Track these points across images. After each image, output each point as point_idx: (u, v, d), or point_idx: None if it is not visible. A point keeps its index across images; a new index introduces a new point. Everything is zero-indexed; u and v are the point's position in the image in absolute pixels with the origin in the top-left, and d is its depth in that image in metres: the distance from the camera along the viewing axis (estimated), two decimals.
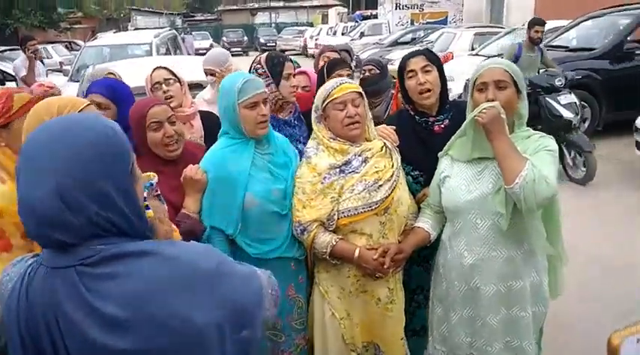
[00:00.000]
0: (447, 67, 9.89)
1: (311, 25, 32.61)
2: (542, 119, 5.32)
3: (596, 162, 5.17)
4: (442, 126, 2.10)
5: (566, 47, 7.47)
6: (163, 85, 2.52)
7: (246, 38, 30.93)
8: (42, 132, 0.88)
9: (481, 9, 20.03)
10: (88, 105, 1.52)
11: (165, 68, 2.56)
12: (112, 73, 2.81)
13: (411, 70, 2.06)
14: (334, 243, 1.86)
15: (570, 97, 5.36)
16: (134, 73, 3.43)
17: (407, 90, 2.11)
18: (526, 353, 1.84)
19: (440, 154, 1.96)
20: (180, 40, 9.72)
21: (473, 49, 10.75)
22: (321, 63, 2.98)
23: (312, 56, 21.57)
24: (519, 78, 1.76)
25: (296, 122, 2.37)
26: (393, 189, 1.89)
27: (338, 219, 1.87)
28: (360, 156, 1.91)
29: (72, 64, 8.10)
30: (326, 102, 1.90)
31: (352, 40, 18.08)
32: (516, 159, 1.64)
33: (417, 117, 2.13)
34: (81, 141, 0.84)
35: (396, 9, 21.03)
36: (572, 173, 5.37)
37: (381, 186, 1.86)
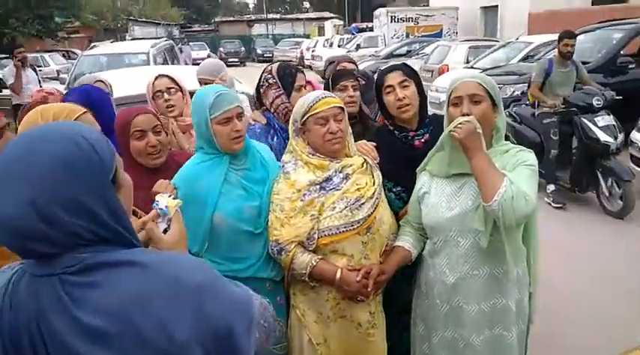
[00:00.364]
0: (443, 79, 9.98)
1: (308, 36, 32.84)
2: (576, 141, 4.97)
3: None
4: (422, 140, 2.06)
5: None
6: (165, 94, 2.51)
7: (243, 49, 31.09)
8: (17, 142, 0.85)
9: (475, 23, 20.28)
10: (85, 112, 1.51)
11: (167, 76, 2.55)
12: (101, 81, 2.80)
13: (389, 86, 2.03)
14: (314, 264, 1.76)
15: (609, 119, 4.84)
16: (129, 82, 3.43)
17: (385, 106, 2.08)
18: None
19: (418, 170, 1.91)
20: (177, 50, 9.77)
21: (468, 62, 10.82)
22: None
23: (310, 67, 21.71)
24: (495, 91, 1.72)
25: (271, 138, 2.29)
26: (376, 207, 1.82)
27: (318, 238, 1.78)
28: (340, 172, 1.83)
29: (69, 73, 8.10)
30: (306, 116, 1.82)
31: (349, 51, 18.16)
32: (494, 176, 1.59)
33: (396, 132, 2.09)
34: (51, 152, 0.81)
35: (391, 22, 21.14)
36: (608, 204, 4.83)
37: (362, 204, 1.79)
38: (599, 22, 8.11)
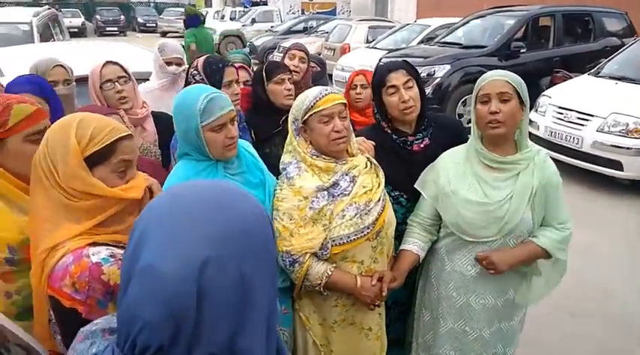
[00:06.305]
0: (347, 59, 10.06)
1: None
2: None
3: None
4: (422, 145, 2.00)
5: (460, 44, 8.03)
6: (117, 84, 2.24)
7: (123, 17, 28.68)
8: (195, 191, 0.72)
9: (367, 3, 20.80)
10: (129, 134, 1.25)
11: (117, 64, 2.28)
12: (60, 65, 2.45)
13: (393, 86, 1.93)
14: (329, 273, 1.70)
15: None
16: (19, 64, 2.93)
17: (384, 106, 1.99)
18: None
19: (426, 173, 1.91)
20: (62, 21, 8.72)
21: (369, 42, 11.11)
22: (287, 60, 2.81)
23: None
24: (522, 89, 1.69)
25: (240, 133, 2.22)
26: (383, 209, 1.76)
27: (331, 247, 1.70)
28: (347, 175, 1.73)
29: None
30: (309, 114, 1.69)
31: (244, 26, 17.67)
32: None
33: (394, 136, 2.01)
34: (244, 215, 0.70)
35: None
36: None
37: (371, 208, 1.71)
38: (490, 8, 8.77)
